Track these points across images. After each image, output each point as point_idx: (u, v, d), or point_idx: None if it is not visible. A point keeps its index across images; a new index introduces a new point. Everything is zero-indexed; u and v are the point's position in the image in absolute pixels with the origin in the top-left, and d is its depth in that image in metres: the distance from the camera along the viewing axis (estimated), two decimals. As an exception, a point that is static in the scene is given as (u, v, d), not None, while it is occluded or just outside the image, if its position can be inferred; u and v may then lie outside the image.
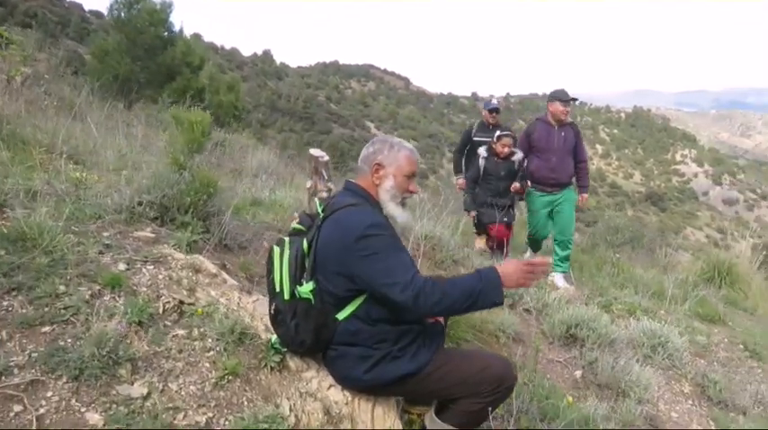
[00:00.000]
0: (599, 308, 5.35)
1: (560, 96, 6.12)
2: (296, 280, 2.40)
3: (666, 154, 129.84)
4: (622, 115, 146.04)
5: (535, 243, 6.81)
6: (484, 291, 2.22)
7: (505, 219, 6.29)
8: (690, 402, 4.11)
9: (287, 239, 2.51)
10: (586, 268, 7.84)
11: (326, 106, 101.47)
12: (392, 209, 2.52)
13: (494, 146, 6.18)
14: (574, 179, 6.46)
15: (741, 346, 5.90)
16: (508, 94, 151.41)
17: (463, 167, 7.51)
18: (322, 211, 2.50)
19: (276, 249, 2.47)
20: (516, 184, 6.13)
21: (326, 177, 4.16)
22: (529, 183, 6.26)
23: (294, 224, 2.62)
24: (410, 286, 2.17)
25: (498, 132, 6.16)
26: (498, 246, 6.39)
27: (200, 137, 3.45)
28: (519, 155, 6.13)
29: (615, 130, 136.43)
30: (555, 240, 6.36)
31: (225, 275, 3.02)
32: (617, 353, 4.12)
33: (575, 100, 6.23)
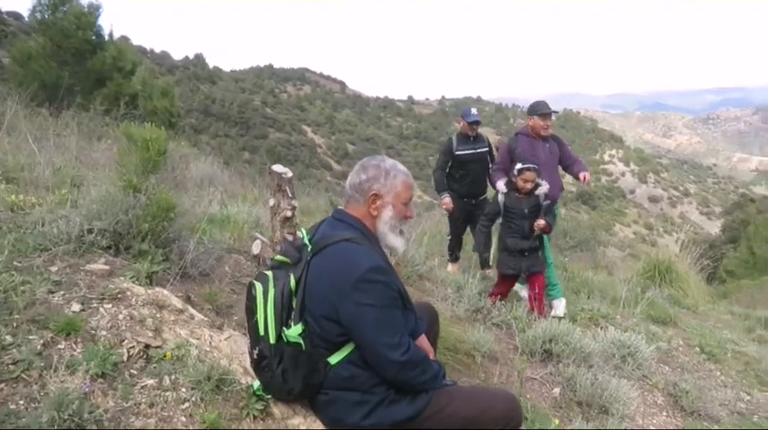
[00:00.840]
0: (567, 318, 5.34)
1: (540, 110, 5.76)
2: (282, 322, 2.17)
3: (595, 154, 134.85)
4: (553, 117, 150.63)
5: None
6: (440, 378, 2.33)
7: (535, 269, 5.15)
8: (664, 414, 4.09)
9: (270, 274, 2.26)
10: None
11: (262, 110, 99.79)
12: (392, 240, 2.33)
13: (513, 180, 5.13)
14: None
15: (697, 349, 6.01)
16: (443, 97, 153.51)
17: (445, 185, 6.67)
18: (309, 242, 2.27)
19: (258, 287, 2.22)
20: (540, 221, 4.99)
21: (290, 195, 3.91)
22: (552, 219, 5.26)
23: (277, 256, 2.37)
24: (399, 349, 2.12)
25: (519, 165, 5.09)
26: (536, 301, 5.22)
27: (156, 156, 3.15)
28: (544, 187, 5.11)
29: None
30: None
31: (192, 310, 2.74)
32: (592, 367, 4.06)
33: (555, 112, 5.94)
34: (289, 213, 3.89)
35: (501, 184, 5.29)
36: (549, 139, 5.81)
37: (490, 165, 6.46)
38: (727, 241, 24.37)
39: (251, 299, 2.23)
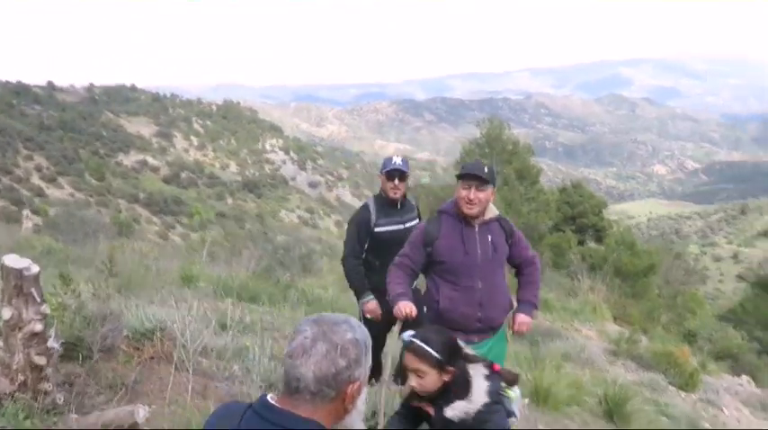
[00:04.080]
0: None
1: (463, 171, 3.44)
2: None
3: (257, 144, 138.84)
4: (214, 107, 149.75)
5: None
6: None
7: None
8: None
9: None
10: (273, 302, 7.31)
11: None
12: (358, 424, 1.56)
13: None
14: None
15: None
16: (92, 84, 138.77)
17: (364, 278, 4.29)
18: None
19: None
20: None
21: (38, 299, 2.65)
22: None
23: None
24: None
25: (406, 335, 2.65)
26: None
27: None
28: (459, 407, 2.53)
29: (209, 122, 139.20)
30: None
31: None
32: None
33: (487, 181, 3.35)
34: (38, 327, 2.64)
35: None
36: (492, 224, 3.53)
37: None
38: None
39: None
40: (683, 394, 8.27)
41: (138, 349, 3.87)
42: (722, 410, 8.05)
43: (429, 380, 2.48)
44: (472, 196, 3.31)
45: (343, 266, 4.39)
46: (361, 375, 1.50)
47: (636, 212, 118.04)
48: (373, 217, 4.20)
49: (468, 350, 2.68)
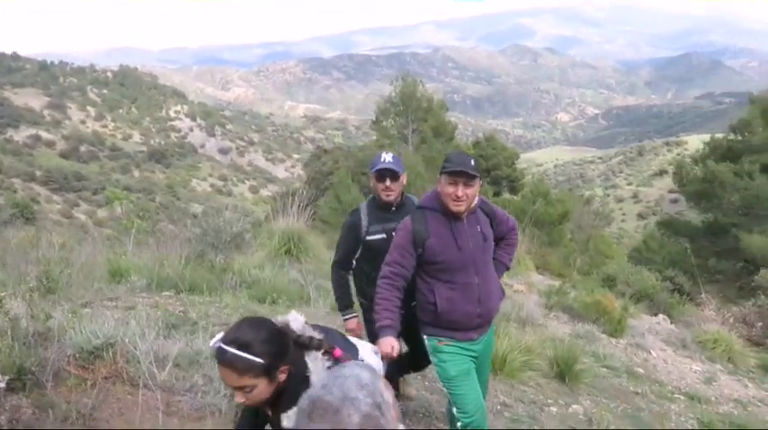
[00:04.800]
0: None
1: (449, 167, 3.06)
2: None
3: (161, 111, 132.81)
4: (109, 74, 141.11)
5: None
6: None
7: None
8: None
9: None
10: (211, 289, 7.03)
11: None
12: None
13: None
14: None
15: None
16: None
17: (352, 293, 4.03)
18: None
19: None
20: None
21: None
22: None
23: None
24: None
25: None
26: None
27: None
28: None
29: (105, 90, 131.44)
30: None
31: None
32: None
33: (475, 176, 3.05)
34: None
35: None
36: (478, 212, 3.28)
37: None
38: (317, 191, 26.95)
39: None
40: (614, 341, 8.72)
41: (88, 369, 3.57)
42: (650, 353, 8.56)
43: (258, 391, 1.96)
44: (460, 193, 3.02)
45: (333, 274, 4.02)
46: (387, 419, 1.37)
47: (543, 160, 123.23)
48: (364, 223, 3.75)
49: (307, 331, 2.12)
